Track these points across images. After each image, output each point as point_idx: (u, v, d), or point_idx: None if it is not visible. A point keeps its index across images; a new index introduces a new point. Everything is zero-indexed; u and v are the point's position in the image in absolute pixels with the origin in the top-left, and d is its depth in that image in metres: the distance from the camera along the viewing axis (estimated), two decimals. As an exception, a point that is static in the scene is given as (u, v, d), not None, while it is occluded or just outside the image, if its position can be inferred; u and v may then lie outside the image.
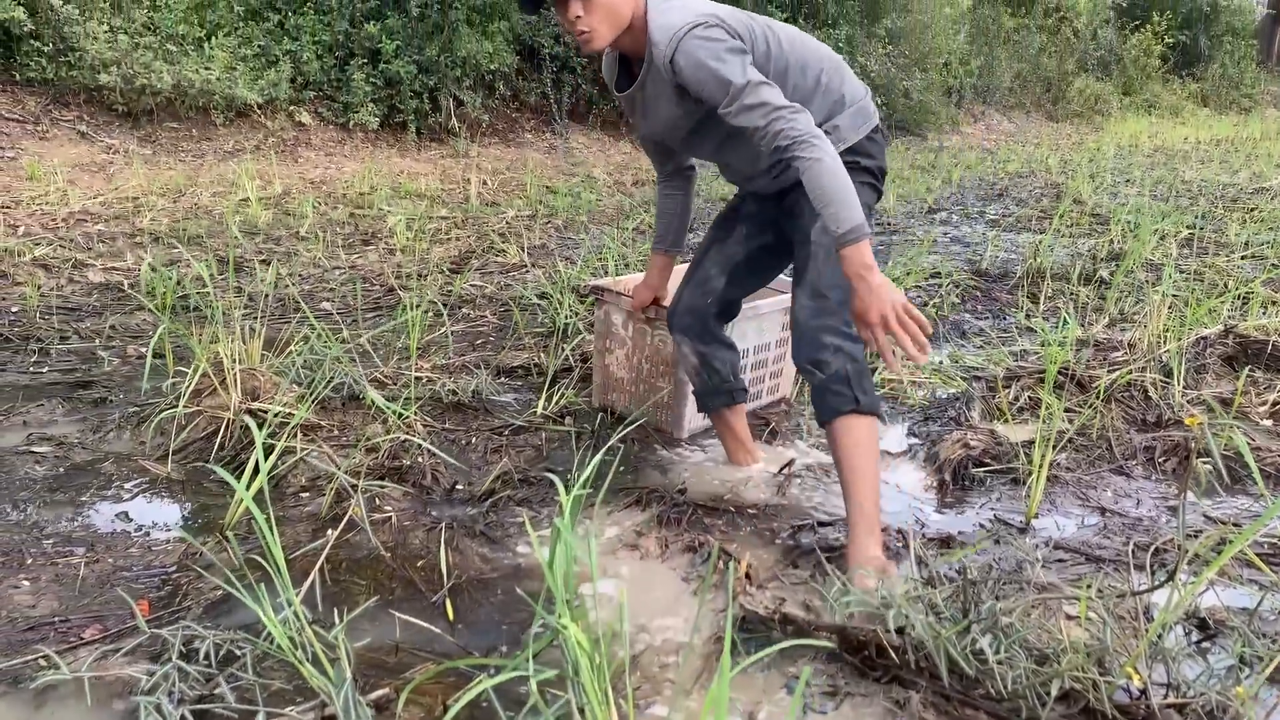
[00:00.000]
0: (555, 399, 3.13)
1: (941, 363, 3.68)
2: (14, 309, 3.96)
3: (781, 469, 2.72)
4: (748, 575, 2.14)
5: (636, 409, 2.96)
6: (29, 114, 7.89)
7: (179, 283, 4.26)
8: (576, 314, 3.99)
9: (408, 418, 2.77)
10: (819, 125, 2.19)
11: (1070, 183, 9.17)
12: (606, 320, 2.98)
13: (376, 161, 8.45)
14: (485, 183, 7.81)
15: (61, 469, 2.60)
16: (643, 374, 2.94)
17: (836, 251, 1.98)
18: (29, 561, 2.14)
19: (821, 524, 2.42)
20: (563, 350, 3.55)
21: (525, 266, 5.08)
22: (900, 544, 2.30)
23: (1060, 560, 2.31)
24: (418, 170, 8.40)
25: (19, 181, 6.71)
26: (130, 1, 8.52)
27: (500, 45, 9.69)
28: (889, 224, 6.95)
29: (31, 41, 7.92)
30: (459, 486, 2.60)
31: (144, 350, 3.56)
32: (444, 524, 2.36)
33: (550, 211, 6.81)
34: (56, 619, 1.93)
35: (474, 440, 2.89)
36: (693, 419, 2.93)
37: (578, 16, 2.06)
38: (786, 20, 11.32)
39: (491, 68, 9.62)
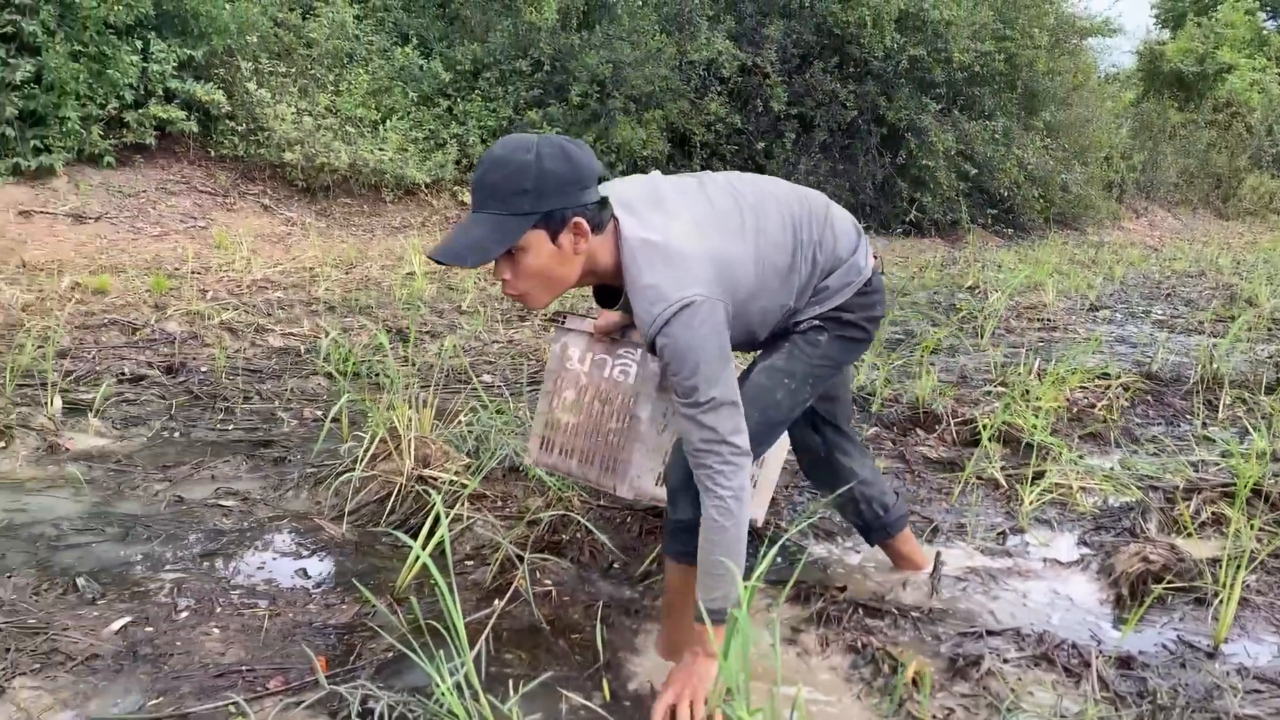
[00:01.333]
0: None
1: (1113, 469, 3.51)
2: (204, 369, 4.25)
3: (934, 570, 2.62)
4: (914, 681, 2.07)
5: (581, 465, 2.39)
6: (220, 187, 8.56)
7: (351, 350, 4.49)
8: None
9: (567, 493, 2.82)
10: (808, 293, 2.07)
11: (1245, 285, 8.71)
12: (562, 355, 2.44)
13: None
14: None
15: (245, 523, 2.76)
16: (594, 415, 2.37)
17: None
18: (218, 610, 2.27)
19: (990, 633, 2.32)
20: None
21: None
22: (1078, 662, 2.18)
23: (1256, 691, 2.14)
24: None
25: (208, 249, 7.25)
26: (315, 86, 9.20)
27: (654, 132, 9.98)
28: (1048, 320, 6.73)
29: (227, 121, 8.63)
30: (615, 565, 2.62)
31: (319, 413, 3.76)
32: (602, 601, 2.38)
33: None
34: (244, 668, 2.03)
35: (629, 519, 2.91)
36: (642, 476, 2.28)
37: (504, 279, 1.84)
38: (942, 112, 11.26)
39: (644, 154, 9.90)
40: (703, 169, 10.51)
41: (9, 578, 2.34)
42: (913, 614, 2.40)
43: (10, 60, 7.35)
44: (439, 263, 1.80)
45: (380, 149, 8.99)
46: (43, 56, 7.40)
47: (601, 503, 2.99)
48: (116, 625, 2.18)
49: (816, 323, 2.09)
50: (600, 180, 1.85)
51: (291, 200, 8.77)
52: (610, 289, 2.02)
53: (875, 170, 11.29)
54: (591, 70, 9.63)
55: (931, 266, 9.16)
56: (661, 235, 1.85)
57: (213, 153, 8.72)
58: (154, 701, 1.91)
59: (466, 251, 1.73)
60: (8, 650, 2.04)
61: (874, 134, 11.19)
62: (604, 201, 1.84)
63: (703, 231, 1.89)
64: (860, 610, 2.38)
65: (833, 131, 10.96)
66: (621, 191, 1.93)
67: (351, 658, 2.10)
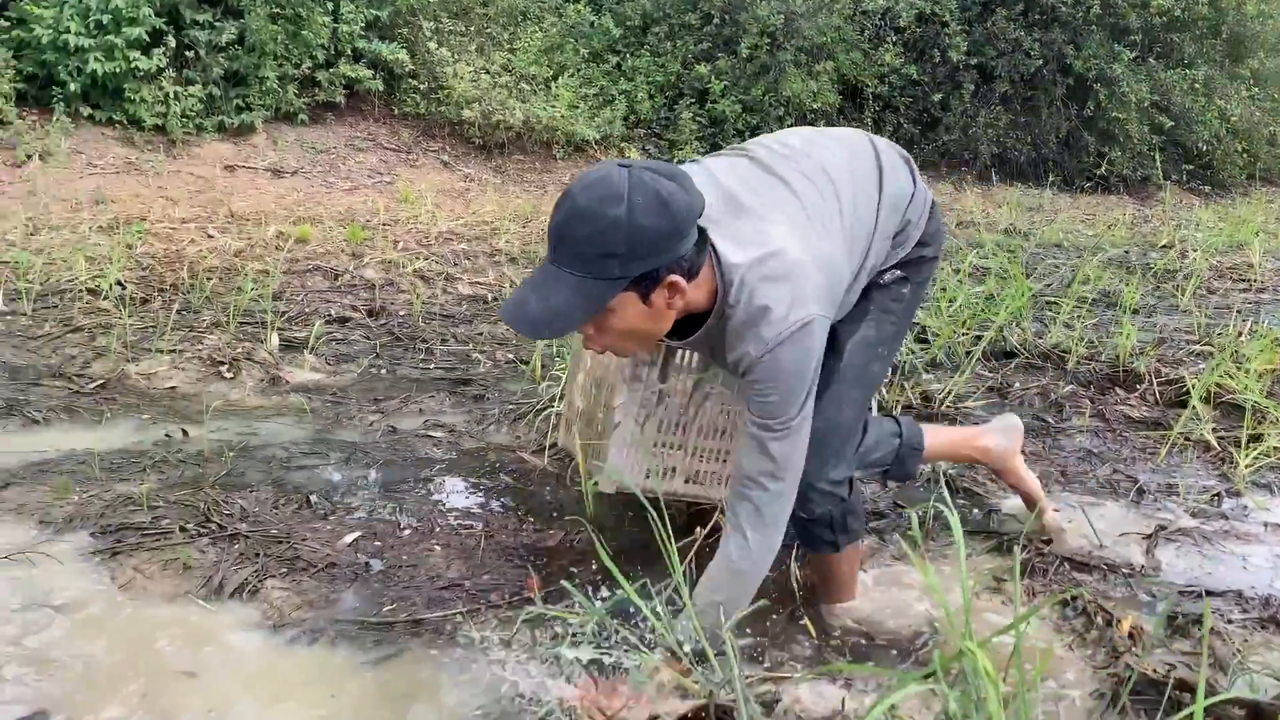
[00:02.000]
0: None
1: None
2: (402, 313, 4.48)
3: (1153, 533, 2.52)
4: (1131, 635, 2.00)
5: (581, 450, 2.37)
6: (403, 144, 8.92)
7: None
8: (911, 352, 3.92)
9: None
10: (889, 244, 1.90)
11: None
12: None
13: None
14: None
15: (454, 453, 2.92)
16: (589, 399, 2.34)
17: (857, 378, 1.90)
18: (437, 530, 2.42)
19: (1210, 593, 2.22)
20: (901, 387, 3.50)
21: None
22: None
23: None
24: (737, 205, 8.62)
25: (395, 203, 7.60)
26: (491, 45, 9.44)
27: (825, 85, 9.77)
28: (1255, 281, 6.28)
29: (410, 80, 8.97)
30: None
31: (510, 356, 3.92)
32: (794, 544, 2.40)
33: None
34: (465, 582, 2.16)
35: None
36: (623, 470, 2.22)
37: (588, 335, 1.67)
38: (1135, 60, 10.56)
39: (814, 107, 9.72)
40: (874, 123, 10.23)
41: (251, 492, 2.56)
42: (1123, 570, 2.33)
43: (217, 24, 7.85)
44: (518, 331, 1.59)
45: (552, 106, 9.16)
46: (245, 19, 7.87)
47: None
48: (349, 538, 2.36)
49: (899, 274, 1.93)
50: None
51: (469, 157, 9.06)
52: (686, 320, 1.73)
53: (1060, 123, 10.71)
54: (762, 22, 9.49)
55: (1120, 225, 8.66)
56: (763, 248, 1.63)
57: (396, 111, 9.09)
58: (389, 607, 2.07)
59: (547, 320, 1.54)
60: (258, 555, 2.24)
61: (1059, 85, 10.60)
62: (702, 240, 1.61)
63: (802, 232, 1.69)
64: (1067, 564, 2.32)
65: (1014, 82, 10.45)
66: (731, 214, 1.71)
67: (560, 579, 2.20)
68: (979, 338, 4.00)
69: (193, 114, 7.83)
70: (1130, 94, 10.38)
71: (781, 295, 1.60)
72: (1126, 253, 7.02)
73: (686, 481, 2.34)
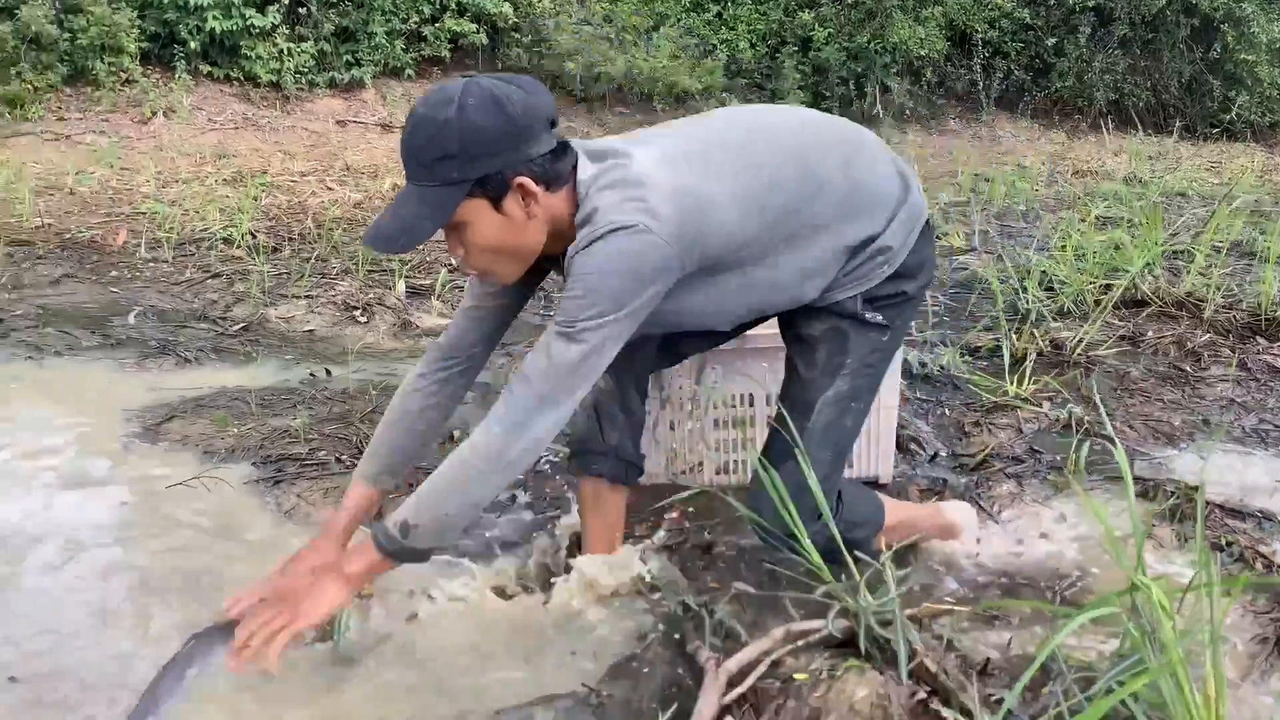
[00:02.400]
0: (1024, 381, 3.03)
1: None
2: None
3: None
4: (1292, 581, 1.95)
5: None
6: (506, 97, 8.99)
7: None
8: (1039, 300, 3.83)
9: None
10: (845, 257, 1.71)
11: None
12: None
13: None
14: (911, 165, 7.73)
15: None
16: None
17: None
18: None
19: (1376, 543, 2.15)
20: (1031, 334, 3.43)
21: (971, 250, 4.96)
22: None
23: None
24: (842, 155, 8.48)
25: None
26: (592, -3, 9.41)
27: (933, 31, 9.50)
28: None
29: (513, 34, 9.01)
30: (940, 454, 2.62)
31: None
32: (939, 488, 2.40)
33: (985, 199, 6.59)
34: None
35: (947, 412, 2.90)
36: (665, 463, 2.39)
37: (458, 255, 1.58)
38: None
39: (921, 53, 9.46)
40: (983, 69, 9.91)
41: (397, 428, 2.67)
42: (1278, 519, 2.26)
43: (329, -20, 8.01)
44: (373, 249, 1.54)
45: (652, 57, 9.11)
46: (355, -25, 8.01)
47: (918, 396, 2.99)
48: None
49: (880, 319, 1.76)
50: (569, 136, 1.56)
51: (572, 110, 9.09)
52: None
53: (1182, 67, 10.21)
54: (868, -34, 9.25)
55: (1248, 172, 8.25)
56: (615, 159, 1.54)
57: (500, 64, 9.15)
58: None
59: (396, 234, 1.48)
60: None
61: (1183, 26, 10.09)
62: (562, 149, 1.52)
63: (671, 159, 1.56)
64: (1219, 510, 2.27)
65: (1134, 24, 9.99)
66: (599, 141, 1.63)
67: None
68: (1108, 286, 3.88)
69: (305, 70, 8.02)
70: (1260, 35, 9.84)
71: (612, 200, 1.49)
72: (1258, 201, 6.70)
73: (718, 473, 2.42)
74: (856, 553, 1.73)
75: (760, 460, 1.80)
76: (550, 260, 1.65)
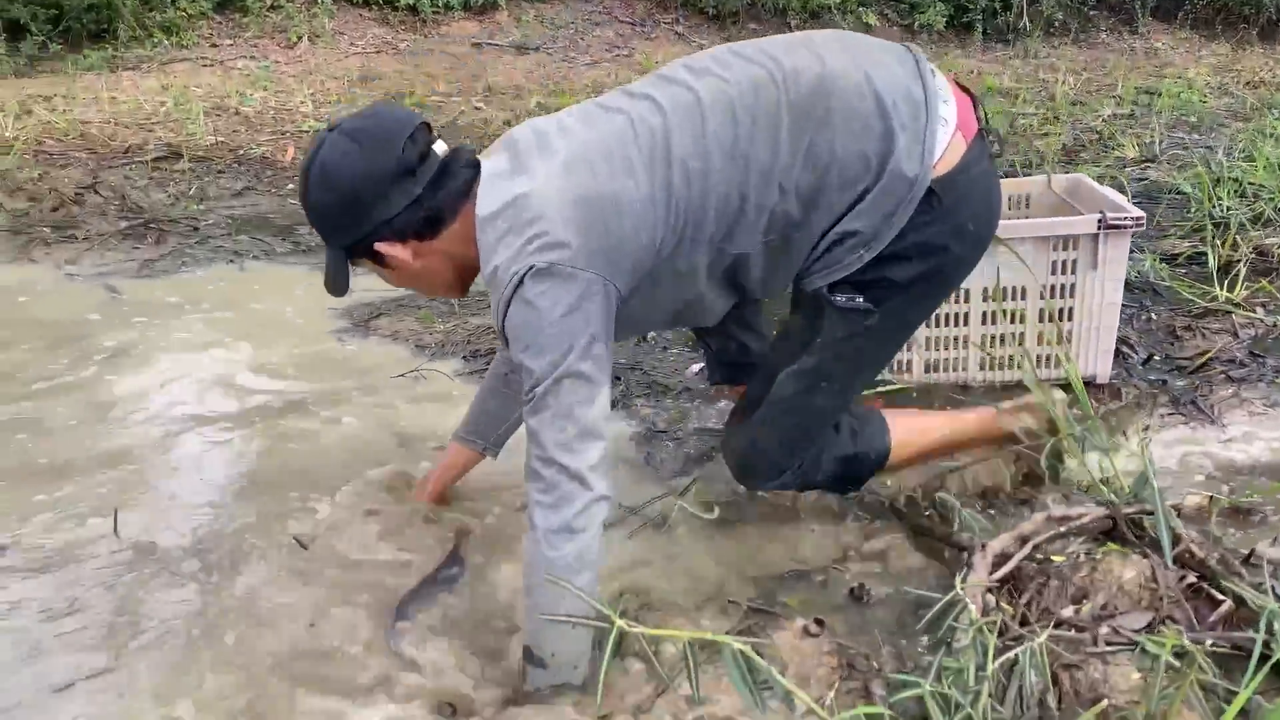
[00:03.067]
0: (1237, 286, 2.88)
1: None
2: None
3: None
4: None
5: None
6: (637, 17, 8.88)
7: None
8: (1233, 209, 3.62)
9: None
10: (810, 240, 1.47)
11: None
12: None
13: (943, 62, 8.30)
14: (1065, 83, 7.36)
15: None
16: None
17: None
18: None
19: None
20: (1234, 241, 3.25)
21: (1148, 161, 4.71)
22: None
23: None
24: (986, 70, 8.13)
25: (637, 75, 7.62)
26: (722, -89, 9.14)
27: (1087, -65, 8.95)
28: None
29: (647, -50, 8.86)
30: (1155, 357, 2.53)
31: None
32: (1156, 389, 2.32)
33: (1149, 111, 6.24)
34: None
35: (1154, 318, 2.78)
36: None
37: (391, 282, 1.56)
38: None
39: (1074, -39, 8.94)
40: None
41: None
42: None
43: (463, -100, 7.99)
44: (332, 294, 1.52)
45: (787, -29, 8.84)
46: (490, -106, 7.97)
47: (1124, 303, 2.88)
48: (695, 368, 2.46)
49: (859, 301, 1.49)
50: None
51: (702, 28, 8.92)
52: None
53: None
54: None
55: None
56: (512, 194, 1.37)
57: (636, -21, 9.04)
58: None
59: (332, 284, 1.48)
60: (618, 379, 2.38)
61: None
62: (436, 185, 1.39)
63: (570, 170, 1.38)
64: None
65: (1311, -77, 9.21)
66: (516, 139, 1.45)
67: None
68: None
69: (442, -7, 8.06)
70: None
71: (510, 250, 1.34)
72: None
73: (926, 371, 2.35)
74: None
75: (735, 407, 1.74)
76: None
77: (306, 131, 5.17)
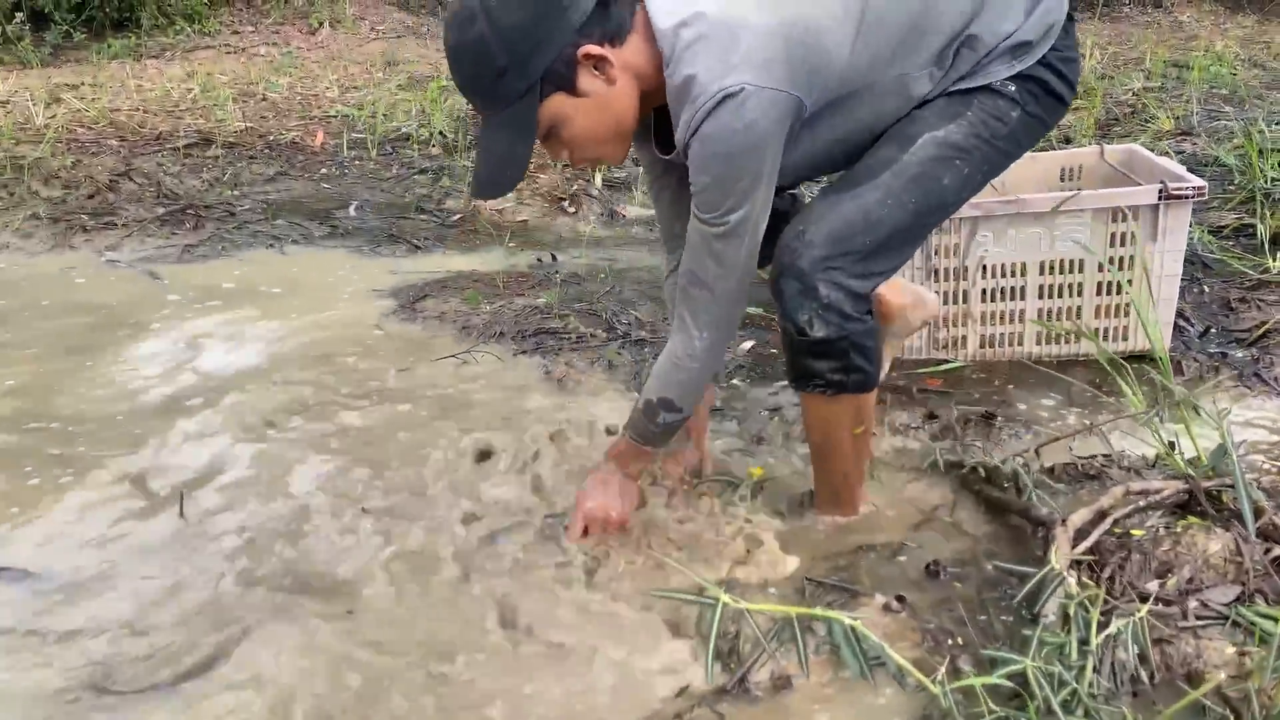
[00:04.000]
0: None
1: None
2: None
3: None
4: None
5: None
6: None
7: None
8: (1278, 180, 3.57)
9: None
10: (979, 52, 1.49)
11: None
12: None
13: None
14: (1092, 56, 7.27)
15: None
16: None
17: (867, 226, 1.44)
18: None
19: None
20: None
21: (1184, 134, 4.66)
22: None
23: None
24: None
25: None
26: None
27: (1111, -93, 8.83)
28: None
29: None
30: (1212, 330, 2.50)
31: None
32: (1216, 363, 2.29)
33: (1179, 84, 6.16)
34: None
35: (1206, 290, 2.75)
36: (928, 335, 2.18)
37: (562, 157, 1.50)
38: None
39: (1098, -67, 8.82)
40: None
41: (638, 306, 2.70)
42: None
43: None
44: (483, 198, 1.48)
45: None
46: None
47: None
48: (746, 345, 2.44)
49: (1011, 87, 1.50)
50: None
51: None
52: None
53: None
54: None
55: None
56: (702, 4, 1.34)
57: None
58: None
59: (499, 175, 1.40)
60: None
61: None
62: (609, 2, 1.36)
63: (762, 26, 1.34)
64: None
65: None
66: None
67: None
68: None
69: (460, -24, 8.04)
70: None
71: (707, 62, 1.32)
72: None
73: (981, 346, 2.32)
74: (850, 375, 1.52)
75: (815, 196, 1.57)
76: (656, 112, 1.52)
77: (334, 116, 5.15)
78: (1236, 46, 7.85)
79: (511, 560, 1.63)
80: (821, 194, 1.52)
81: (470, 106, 1.35)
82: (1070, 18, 1.55)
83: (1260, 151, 3.84)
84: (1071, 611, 1.28)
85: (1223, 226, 3.23)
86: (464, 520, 1.74)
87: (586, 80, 1.37)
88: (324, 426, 2.09)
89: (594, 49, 1.34)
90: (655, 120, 1.55)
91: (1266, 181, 3.49)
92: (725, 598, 1.19)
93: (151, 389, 2.30)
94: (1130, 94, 5.90)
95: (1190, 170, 3.94)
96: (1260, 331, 2.42)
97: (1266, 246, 2.91)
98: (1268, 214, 3.14)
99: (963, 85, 1.51)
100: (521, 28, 1.30)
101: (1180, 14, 9.41)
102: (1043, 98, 1.53)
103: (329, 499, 1.82)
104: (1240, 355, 2.36)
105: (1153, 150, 4.13)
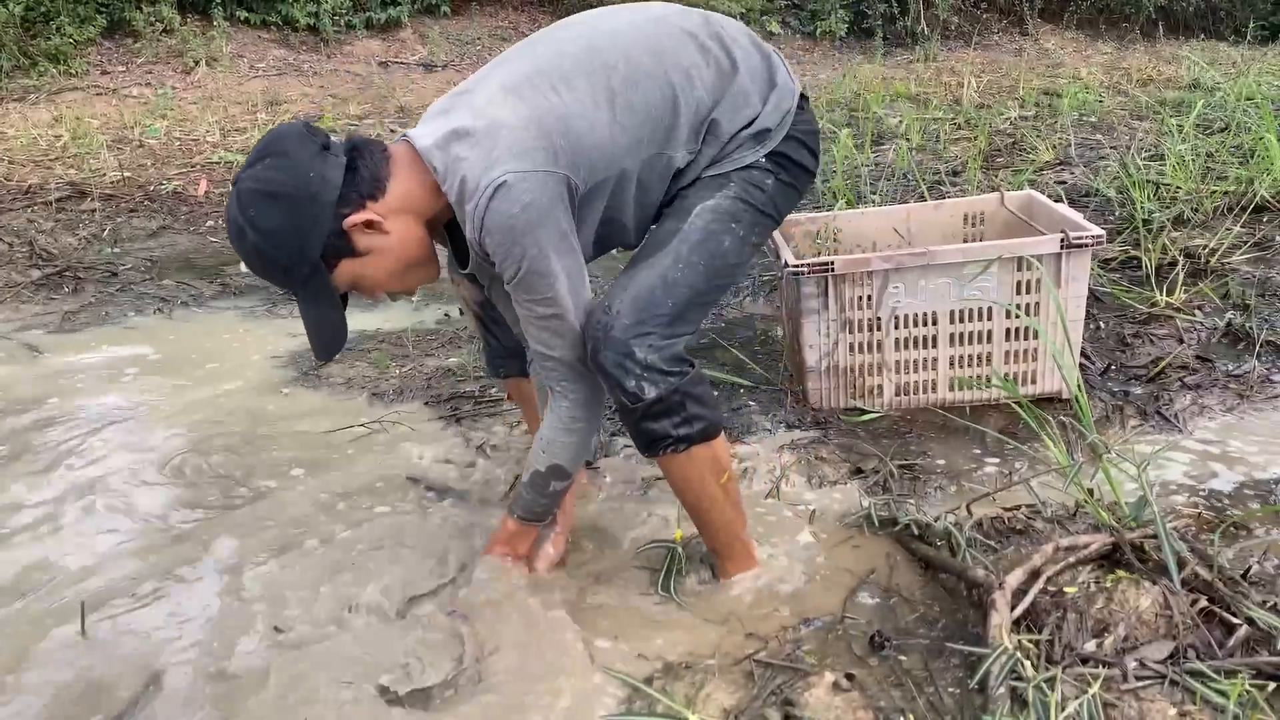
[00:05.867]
0: (1175, 290, 2.97)
1: None
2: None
3: None
4: None
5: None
6: (544, 31, 8.81)
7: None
8: (1165, 207, 3.75)
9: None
10: (726, 135, 1.62)
11: None
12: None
13: (849, 70, 8.45)
14: (965, 85, 7.56)
15: (721, 323, 2.93)
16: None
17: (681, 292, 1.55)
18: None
19: None
20: (1164, 243, 3.37)
21: (1063, 164, 4.86)
22: None
23: None
24: (890, 75, 8.30)
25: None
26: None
27: (978, -59, 9.24)
28: None
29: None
30: (1113, 367, 2.58)
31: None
32: (1120, 402, 2.37)
33: (1051, 112, 6.45)
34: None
35: (1101, 325, 2.85)
36: (832, 395, 2.37)
37: (378, 299, 1.60)
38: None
39: (965, -32, 9.21)
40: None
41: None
42: None
43: (362, -84, 7.80)
44: (327, 360, 1.59)
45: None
46: (389, -90, 7.80)
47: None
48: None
49: (765, 163, 1.63)
50: None
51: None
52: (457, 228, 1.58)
53: (1231, -32, 9.93)
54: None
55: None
56: (457, 120, 1.45)
57: (536, -2, 8.96)
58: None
59: (327, 339, 1.53)
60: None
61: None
62: (356, 156, 1.45)
63: (513, 91, 1.47)
64: None
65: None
66: (431, 107, 1.57)
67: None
68: (1213, 192, 3.80)
69: (342, 11, 7.86)
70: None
71: (474, 163, 1.42)
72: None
73: (897, 394, 2.38)
74: (672, 444, 1.57)
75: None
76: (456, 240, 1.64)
77: (217, 163, 4.96)
78: (1100, 74, 8.28)
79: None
80: (620, 274, 1.60)
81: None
82: (804, 96, 1.69)
83: (1135, 182, 4.03)
84: (1030, 697, 1.27)
85: (1109, 259, 3.36)
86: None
87: (363, 240, 1.46)
88: (226, 533, 1.95)
89: (357, 217, 1.43)
90: (452, 238, 1.65)
91: (1145, 213, 3.66)
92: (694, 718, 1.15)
93: (41, 484, 2.13)
94: (1008, 123, 6.14)
95: (1071, 203, 4.13)
96: (1158, 369, 2.52)
97: (1152, 279, 3.04)
98: (1150, 246, 3.29)
99: (718, 170, 1.63)
100: (282, 230, 1.40)
101: (1045, 41, 9.88)
102: (791, 168, 1.67)
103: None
104: (1139, 392, 2.44)
105: (1035, 184, 4.31)
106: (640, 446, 1.60)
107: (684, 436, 1.56)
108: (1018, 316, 2.28)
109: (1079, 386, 1.79)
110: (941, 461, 2.14)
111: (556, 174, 1.43)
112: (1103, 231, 2.24)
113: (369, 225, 1.44)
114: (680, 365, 1.54)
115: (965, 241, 2.62)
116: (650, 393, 1.51)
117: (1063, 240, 2.22)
